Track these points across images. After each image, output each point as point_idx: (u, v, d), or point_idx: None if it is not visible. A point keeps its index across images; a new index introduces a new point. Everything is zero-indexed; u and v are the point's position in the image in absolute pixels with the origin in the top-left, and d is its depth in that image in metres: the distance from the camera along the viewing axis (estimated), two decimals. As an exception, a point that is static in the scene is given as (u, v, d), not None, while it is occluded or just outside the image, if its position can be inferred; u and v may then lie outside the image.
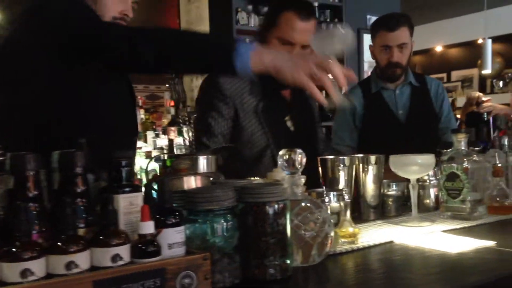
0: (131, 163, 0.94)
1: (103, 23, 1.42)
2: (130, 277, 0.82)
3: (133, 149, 1.46)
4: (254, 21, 4.02)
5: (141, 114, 4.01)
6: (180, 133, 3.62)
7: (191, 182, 1.11)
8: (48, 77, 1.35)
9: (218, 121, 1.95)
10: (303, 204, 1.15)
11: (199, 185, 1.13)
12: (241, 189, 1.05)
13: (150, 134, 3.65)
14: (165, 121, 4.11)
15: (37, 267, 0.77)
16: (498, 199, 1.65)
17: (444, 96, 2.66)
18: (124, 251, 0.85)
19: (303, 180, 1.18)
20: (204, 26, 4.11)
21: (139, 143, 3.58)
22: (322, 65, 1.32)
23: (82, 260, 0.80)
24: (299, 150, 1.20)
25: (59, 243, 0.80)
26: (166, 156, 1.28)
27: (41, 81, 1.36)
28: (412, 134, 2.47)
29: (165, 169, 1.17)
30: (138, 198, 0.93)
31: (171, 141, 3.25)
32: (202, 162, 1.30)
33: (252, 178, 1.38)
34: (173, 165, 1.14)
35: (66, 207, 0.81)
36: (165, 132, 3.74)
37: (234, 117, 1.98)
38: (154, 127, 3.95)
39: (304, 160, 1.19)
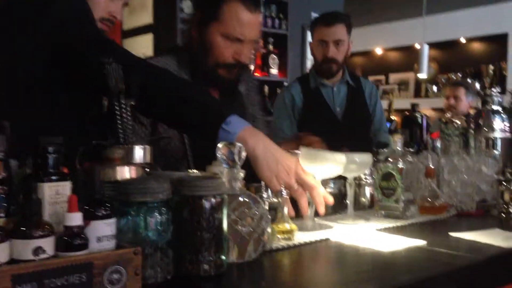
0: (59, 149, 0.88)
1: (107, 42, 1.36)
2: (53, 271, 0.77)
3: None
4: (198, 11, 3.96)
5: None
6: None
7: (125, 173, 1.06)
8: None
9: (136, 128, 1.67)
10: (240, 198, 1.12)
11: (133, 175, 1.08)
12: (176, 182, 1.01)
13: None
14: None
15: None
16: (429, 199, 1.69)
17: (377, 98, 2.73)
18: (47, 243, 0.79)
19: (242, 175, 1.16)
20: (147, 13, 4.00)
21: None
22: (305, 185, 1.27)
23: (1, 252, 0.74)
24: (239, 144, 1.18)
25: (-26, 234, 0.73)
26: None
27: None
28: (347, 132, 2.51)
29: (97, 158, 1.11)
30: (65, 187, 0.87)
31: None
32: (138, 152, 1.25)
33: (190, 170, 1.35)
34: (105, 154, 1.08)
35: (-16, 194, 0.75)
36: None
37: (153, 123, 1.71)
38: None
39: (244, 154, 1.17)
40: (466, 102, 4.12)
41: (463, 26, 7.03)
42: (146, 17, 4.02)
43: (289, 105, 2.57)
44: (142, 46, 4.07)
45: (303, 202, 1.28)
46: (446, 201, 1.69)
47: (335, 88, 2.58)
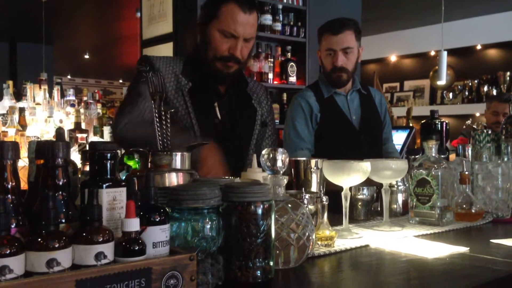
0: (115, 156, 0.88)
1: None
2: (114, 277, 0.77)
3: None
4: (218, 20, 3.98)
5: (97, 109, 3.89)
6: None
7: (173, 179, 1.06)
8: None
9: (145, 87, 1.80)
10: (285, 205, 1.12)
11: (180, 182, 1.09)
12: (225, 188, 1.01)
13: (107, 130, 3.54)
14: (123, 116, 4.00)
15: (16, 264, 0.70)
16: (464, 206, 1.68)
17: (386, 107, 2.70)
18: (108, 249, 0.80)
19: (285, 181, 1.16)
20: (167, 22, 4.03)
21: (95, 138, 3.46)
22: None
23: (65, 257, 0.75)
24: (281, 149, 1.18)
25: (39, 239, 0.74)
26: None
27: None
28: (365, 140, 2.50)
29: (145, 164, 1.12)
30: (122, 194, 0.88)
31: (129, 137, 3.16)
32: (178, 159, 1.26)
33: (229, 177, 1.35)
34: (154, 161, 1.09)
35: (49, 200, 0.75)
36: (123, 128, 3.64)
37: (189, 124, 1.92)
38: (111, 122, 3.84)
39: (287, 160, 1.17)
40: None
41: (479, 33, 7.01)
42: (166, 26, 4.04)
43: (308, 113, 2.53)
44: (162, 55, 4.10)
45: None
46: (481, 208, 1.68)
47: (348, 97, 2.55)
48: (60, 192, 0.83)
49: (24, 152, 2.45)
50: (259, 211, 1.00)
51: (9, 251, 0.70)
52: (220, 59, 1.93)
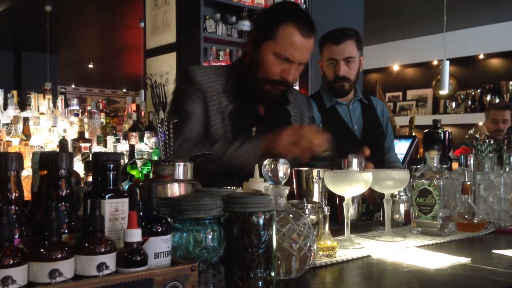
0: (118, 167, 0.89)
1: None
2: (116, 287, 0.78)
3: None
4: (221, 30, 4.00)
5: (101, 118, 3.91)
6: (141, 139, 3.54)
7: (175, 189, 1.07)
8: None
9: (193, 106, 1.81)
10: (287, 215, 1.13)
11: (182, 192, 1.09)
12: (227, 198, 1.02)
13: (110, 139, 3.55)
14: (126, 126, 4.02)
15: (19, 274, 0.71)
16: (466, 216, 1.68)
17: (388, 117, 2.71)
18: (110, 259, 0.80)
19: (287, 191, 1.17)
20: (170, 32, 4.06)
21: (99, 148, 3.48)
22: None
23: (67, 268, 0.75)
24: (282, 160, 1.18)
25: (42, 250, 0.75)
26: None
27: None
28: None
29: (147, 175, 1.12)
30: (124, 204, 0.89)
31: (132, 146, 3.17)
32: (180, 169, 1.26)
33: (231, 188, 1.35)
34: (156, 171, 1.10)
35: (52, 211, 0.76)
36: (126, 137, 3.65)
37: (204, 110, 1.83)
38: (114, 132, 3.86)
39: (289, 170, 1.17)
40: None
41: (481, 42, 7.03)
42: (169, 36, 4.08)
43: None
44: (165, 65, 4.13)
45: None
46: (483, 218, 1.68)
47: (350, 106, 2.56)
48: (63, 203, 0.84)
49: (27, 162, 2.46)
50: (261, 221, 1.00)
51: (12, 261, 0.70)
52: (270, 82, 1.82)
